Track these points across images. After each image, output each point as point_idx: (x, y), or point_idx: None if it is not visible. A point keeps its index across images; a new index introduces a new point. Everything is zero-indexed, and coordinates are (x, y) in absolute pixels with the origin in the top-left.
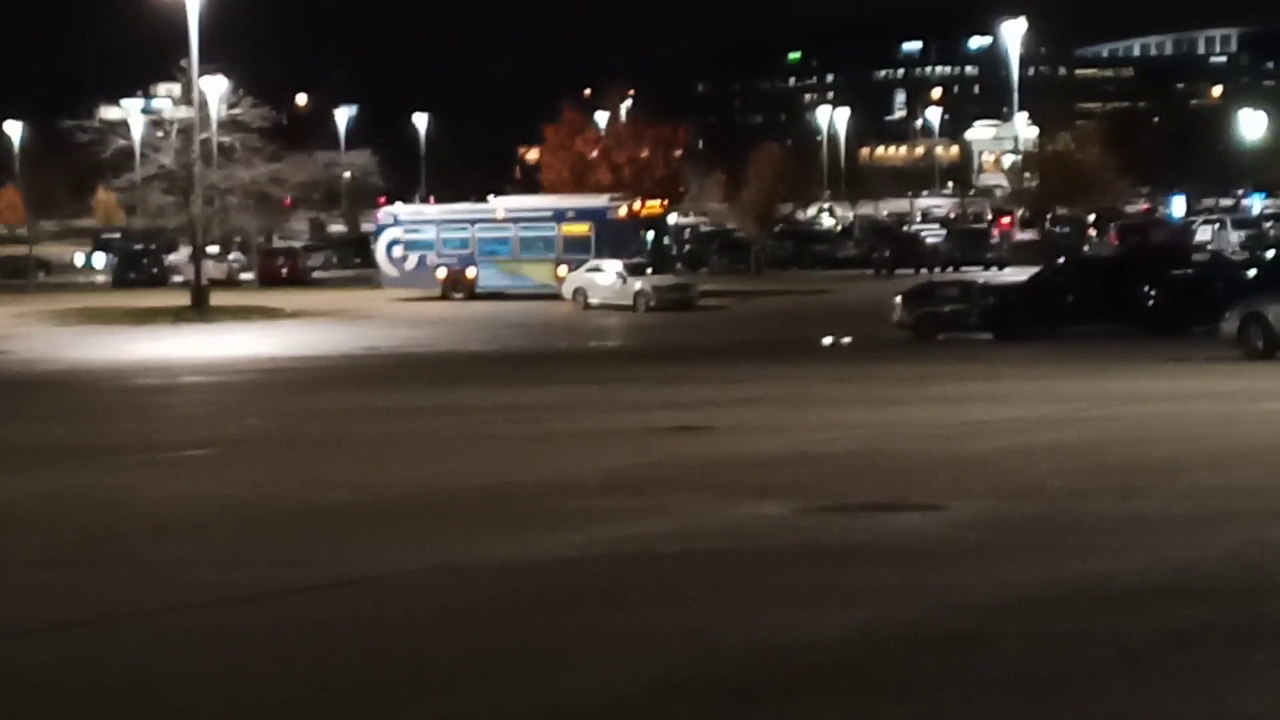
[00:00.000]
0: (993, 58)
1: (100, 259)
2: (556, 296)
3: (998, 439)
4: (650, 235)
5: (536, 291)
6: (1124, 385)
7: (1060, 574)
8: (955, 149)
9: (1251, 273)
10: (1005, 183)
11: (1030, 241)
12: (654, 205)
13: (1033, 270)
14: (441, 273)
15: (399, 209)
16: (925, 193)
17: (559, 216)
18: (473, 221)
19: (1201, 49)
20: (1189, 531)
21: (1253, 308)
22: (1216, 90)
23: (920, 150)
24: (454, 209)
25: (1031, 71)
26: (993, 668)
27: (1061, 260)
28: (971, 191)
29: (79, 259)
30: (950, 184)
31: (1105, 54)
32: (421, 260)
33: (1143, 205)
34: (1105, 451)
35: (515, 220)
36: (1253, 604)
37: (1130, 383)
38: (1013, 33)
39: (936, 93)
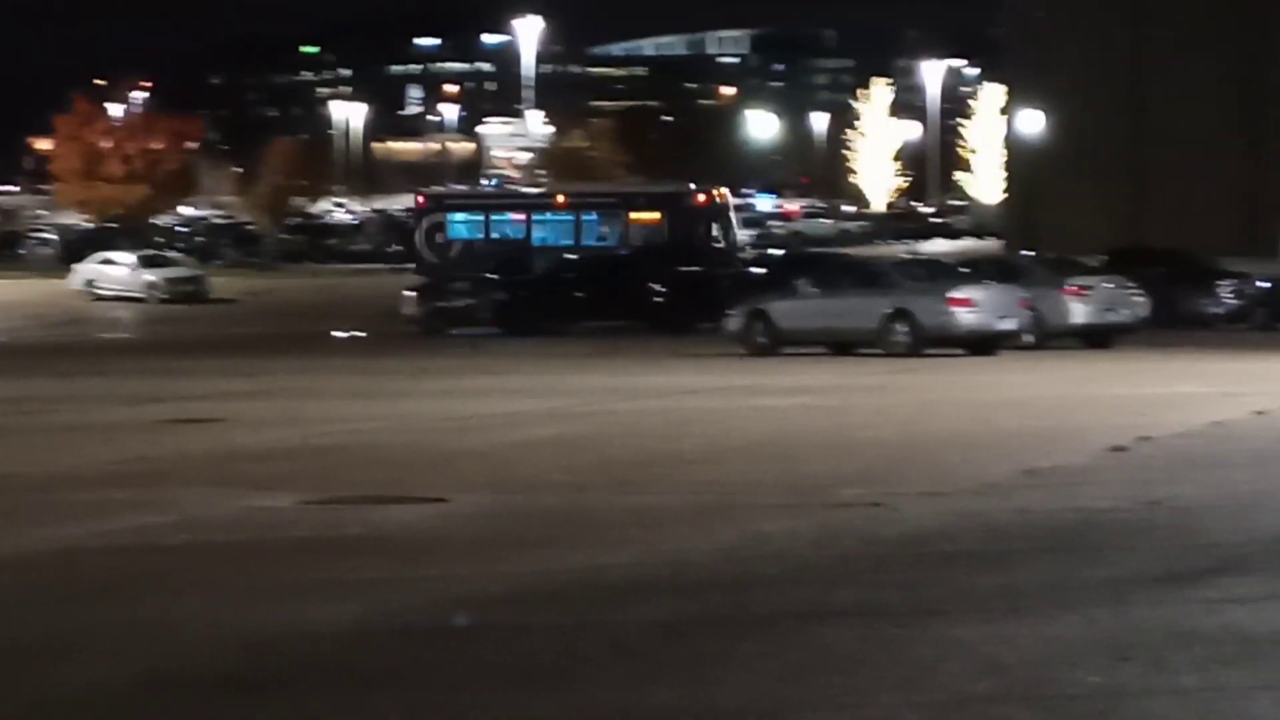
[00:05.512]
0: (508, 55)
1: None
2: None
3: (501, 432)
4: (722, 223)
5: None
6: (629, 381)
7: (556, 566)
8: (470, 145)
9: (758, 270)
10: (520, 178)
11: None
12: (723, 192)
13: (544, 265)
14: None
15: (443, 191)
16: (440, 188)
17: (628, 203)
18: (529, 208)
19: (713, 49)
20: (684, 525)
21: (757, 305)
22: (727, 90)
23: (435, 146)
24: (508, 194)
25: (546, 69)
26: (485, 659)
27: (570, 256)
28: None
29: None
30: (466, 180)
31: (619, 53)
32: (468, 249)
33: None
34: (607, 446)
35: (579, 207)
36: (741, 595)
37: (635, 378)
38: (527, 30)
39: (452, 89)
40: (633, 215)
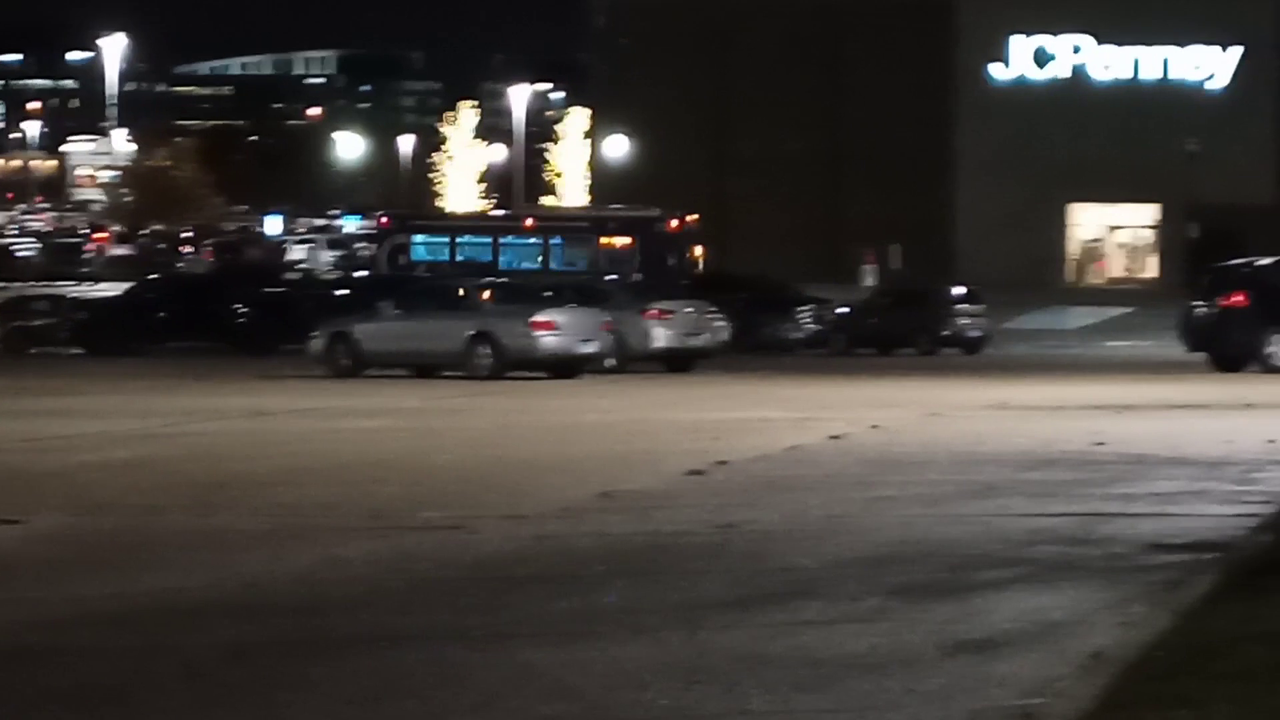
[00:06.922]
0: (93, 72)
1: None
2: None
3: (79, 454)
4: (699, 249)
5: None
6: (210, 402)
7: (129, 589)
8: (53, 162)
9: (342, 292)
10: (103, 197)
11: (125, 257)
12: (693, 217)
13: (126, 286)
14: None
15: (409, 213)
16: (21, 205)
17: (599, 228)
18: (496, 231)
19: (300, 70)
20: (262, 548)
21: (340, 327)
22: (315, 111)
23: (17, 163)
24: (475, 216)
25: (131, 87)
26: (53, 682)
27: (154, 276)
28: (68, 205)
29: None
30: (46, 197)
31: (206, 72)
32: (432, 271)
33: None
34: (186, 467)
35: (547, 231)
36: (316, 619)
37: (216, 400)
38: (112, 48)
39: (35, 105)
40: (603, 240)
